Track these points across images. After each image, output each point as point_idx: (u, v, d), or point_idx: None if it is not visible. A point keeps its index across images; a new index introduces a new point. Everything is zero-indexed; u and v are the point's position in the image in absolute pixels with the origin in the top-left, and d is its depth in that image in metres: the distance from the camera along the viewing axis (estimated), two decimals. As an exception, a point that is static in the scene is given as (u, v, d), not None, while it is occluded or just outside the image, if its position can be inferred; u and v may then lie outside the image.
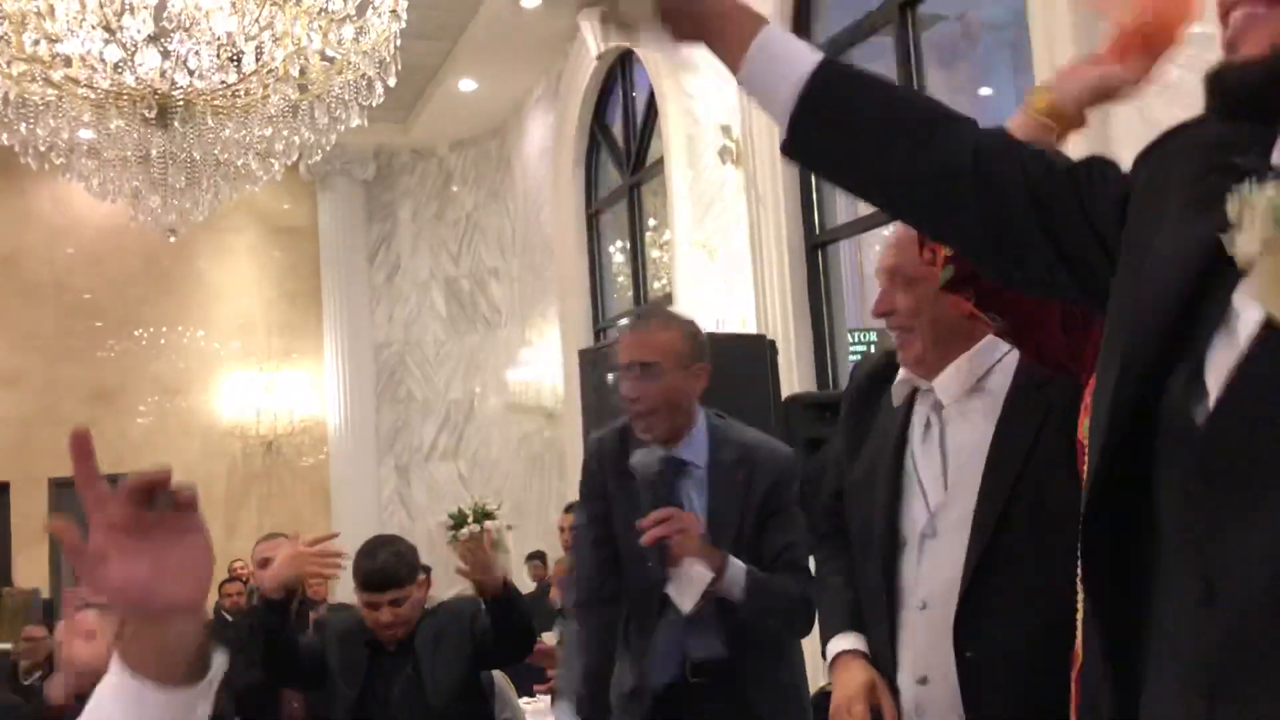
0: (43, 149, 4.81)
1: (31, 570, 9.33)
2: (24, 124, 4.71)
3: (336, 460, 10.24)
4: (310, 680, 3.00)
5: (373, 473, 10.33)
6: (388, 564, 2.93)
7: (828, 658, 1.84)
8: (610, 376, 4.20)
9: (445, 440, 10.39)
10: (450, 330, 10.45)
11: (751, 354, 3.78)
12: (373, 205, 10.64)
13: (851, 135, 1.14)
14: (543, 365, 9.05)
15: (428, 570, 3.42)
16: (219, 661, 0.95)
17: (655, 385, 2.40)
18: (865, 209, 5.28)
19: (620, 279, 8.49)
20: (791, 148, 1.16)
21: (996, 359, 1.74)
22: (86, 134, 4.89)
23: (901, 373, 1.84)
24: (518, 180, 9.76)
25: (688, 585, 2.27)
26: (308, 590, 3.95)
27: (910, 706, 1.71)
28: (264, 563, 4.13)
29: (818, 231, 5.80)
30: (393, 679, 2.92)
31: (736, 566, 2.30)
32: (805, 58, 1.15)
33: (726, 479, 2.42)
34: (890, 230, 2.00)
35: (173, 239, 5.57)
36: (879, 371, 1.95)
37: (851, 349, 5.76)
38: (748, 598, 2.30)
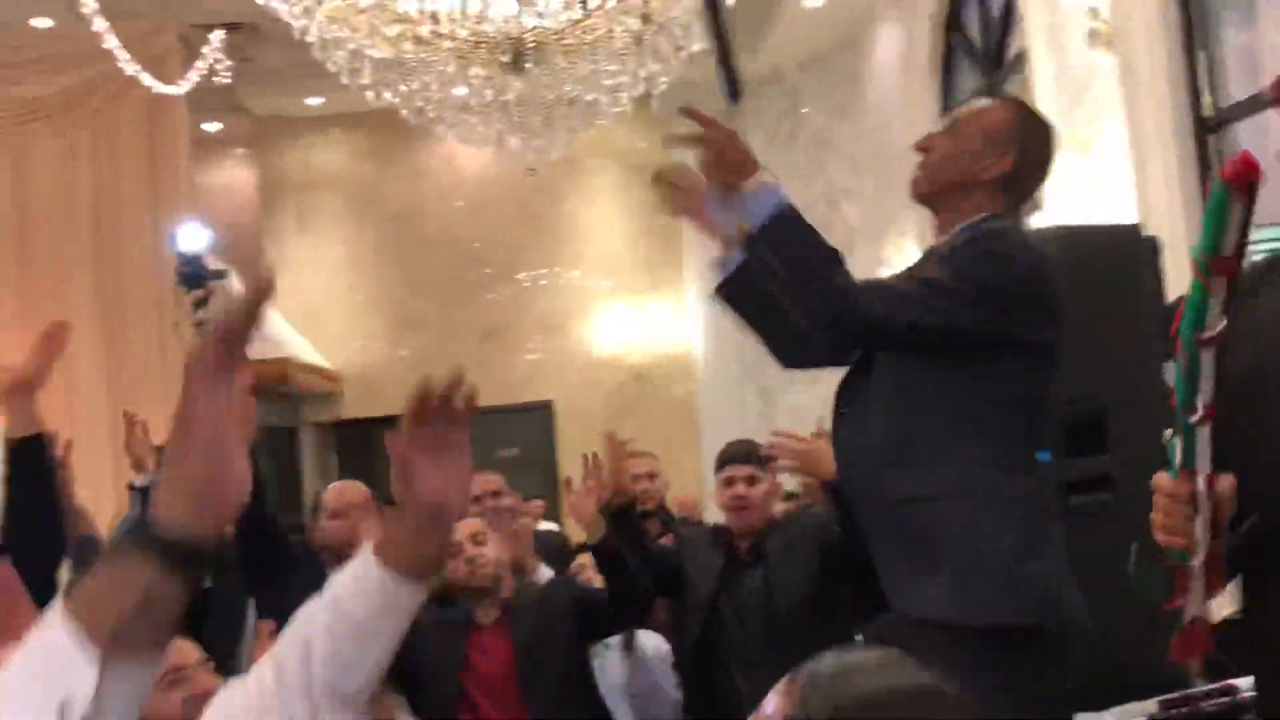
0: (419, 104, 5.24)
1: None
2: (403, 84, 5.14)
3: (702, 387, 10.53)
4: (668, 586, 3.11)
5: (737, 399, 10.53)
6: (748, 443, 3.20)
7: None
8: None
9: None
10: (807, 255, 10.36)
11: (1124, 251, 3.39)
12: (725, 135, 10.71)
13: None
14: (903, 284, 8.77)
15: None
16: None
17: (946, 139, 2.28)
18: (1267, 81, 4.61)
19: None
20: None
21: None
22: (459, 91, 5.28)
23: None
24: (868, 94, 9.44)
25: None
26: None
27: None
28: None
29: (1207, 114, 5.15)
30: (743, 584, 2.96)
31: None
32: None
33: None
34: None
35: (532, 176, 5.89)
36: (1253, 276, 1.64)
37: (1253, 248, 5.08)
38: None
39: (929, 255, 2.29)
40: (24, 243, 8.45)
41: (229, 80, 7.25)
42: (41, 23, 8.34)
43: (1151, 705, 2.62)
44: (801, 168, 10.42)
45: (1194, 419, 1.41)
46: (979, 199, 2.19)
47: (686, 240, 10.64)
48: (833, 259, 2.14)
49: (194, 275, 4.26)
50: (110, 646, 0.74)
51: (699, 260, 10.55)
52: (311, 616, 1.05)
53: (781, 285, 2.15)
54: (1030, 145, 2.24)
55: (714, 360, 10.49)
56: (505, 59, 4.58)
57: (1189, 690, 2.69)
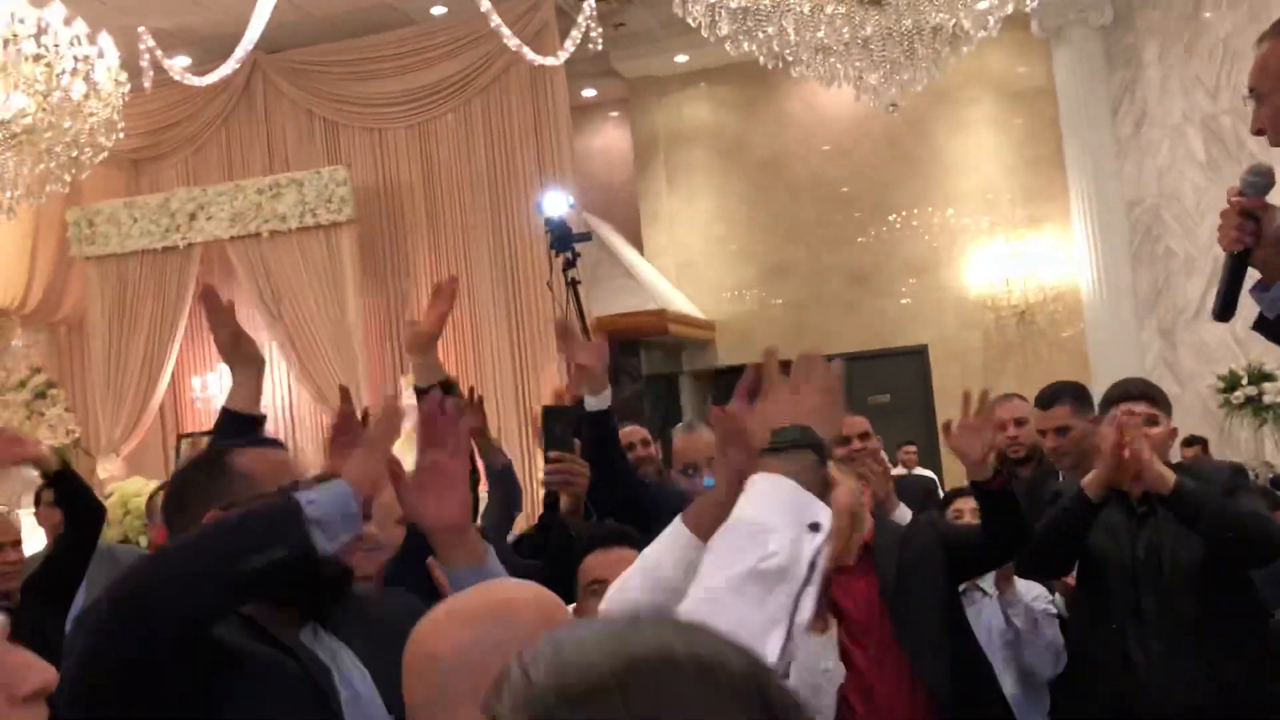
0: (776, 47, 5.22)
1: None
2: (759, 31, 5.14)
3: (1092, 327, 9.80)
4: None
5: (1133, 338, 9.70)
6: (1144, 381, 3.13)
7: None
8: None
9: (1213, 298, 9.37)
10: (1212, 175, 9.31)
11: None
12: (1113, 51, 9.82)
13: None
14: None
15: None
16: None
17: (1260, 113, 2.02)
18: None
19: None
20: None
21: None
22: (819, 34, 5.21)
23: None
24: (1288, -12, 8.28)
25: None
26: None
27: None
28: (1003, 425, 4.08)
29: None
30: (1138, 540, 2.78)
31: None
32: None
33: None
34: None
35: (894, 112, 5.71)
36: None
37: None
38: None
39: None
40: (434, 212, 9.41)
41: (600, 47, 7.60)
42: (438, 10, 9.17)
43: None
44: (1205, 79, 9.35)
45: None
46: None
47: (1071, 171, 9.90)
48: None
49: (562, 239, 4.57)
50: None
51: (1083, 189, 9.79)
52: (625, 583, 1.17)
53: None
54: None
55: (1105, 298, 9.71)
56: (862, -6, 4.46)
57: None
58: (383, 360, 9.27)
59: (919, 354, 10.57)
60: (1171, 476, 2.72)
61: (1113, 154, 9.79)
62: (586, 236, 4.90)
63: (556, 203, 4.90)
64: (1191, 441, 7.44)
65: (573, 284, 4.54)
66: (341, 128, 9.65)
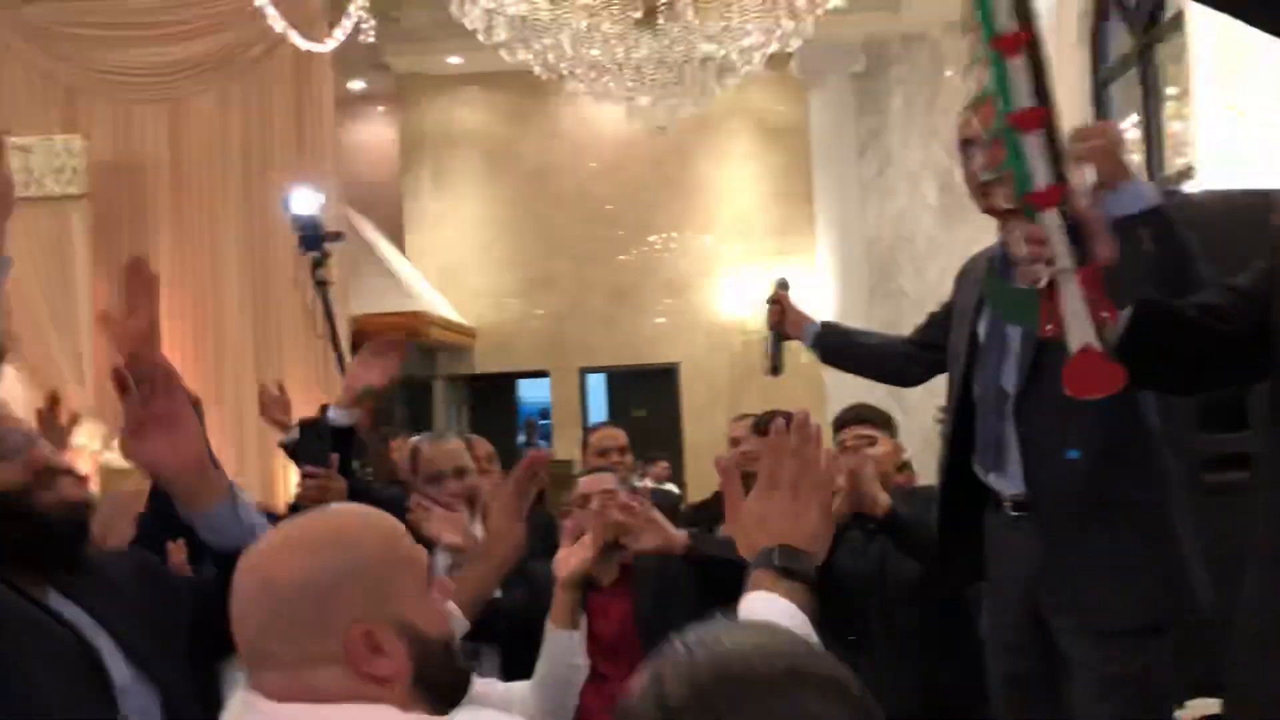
0: (551, 59, 5.28)
1: (565, 450, 10.56)
2: (535, 42, 5.18)
3: (831, 355, 10.40)
4: None
5: (866, 368, 10.37)
6: (866, 405, 3.31)
7: None
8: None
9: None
10: (942, 223, 10.11)
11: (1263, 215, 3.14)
12: (863, 98, 10.51)
13: None
14: (1043, 254, 8.48)
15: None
16: None
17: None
18: None
19: (1133, 157, 7.67)
20: None
21: None
22: (593, 53, 5.31)
23: None
24: (1015, 57, 9.11)
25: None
26: None
27: None
28: (735, 441, 4.31)
29: (1384, 77, 4.81)
30: (866, 552, 2.98)
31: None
32: None
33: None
34: None
35: (663, 136, 5.89)
36: None
37: None
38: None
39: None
40: (181, 195, 8.88)
41: (372, 39, 7.42)
42: (199, -18, 8.70)
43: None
44: (942, 133, 10.13)
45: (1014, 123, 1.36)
46: None
47: (819, 207, 10.50)
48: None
49: (310, 238, 4.40)
50: None
51: (829, 227, 10.41)
52: None
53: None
54: None
55: (843, 327, 10.33)
56: (637, 15, 4.58)
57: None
58: (113, 349, 8.63)
59: (670, 372, 10.89)
60: (886, 501, 2.92)
61: (857, 195, 10.46)
62: (338, 236, 4.74)
63: (306, 200, 4.66)
64: (904, 467, 8.01)
65: (321, 285, 4.37)
66: (81, 94, 8.97)
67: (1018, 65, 1.34)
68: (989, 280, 1.46)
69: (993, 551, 2.41)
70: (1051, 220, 1.38)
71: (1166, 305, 1.57)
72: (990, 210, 2.30)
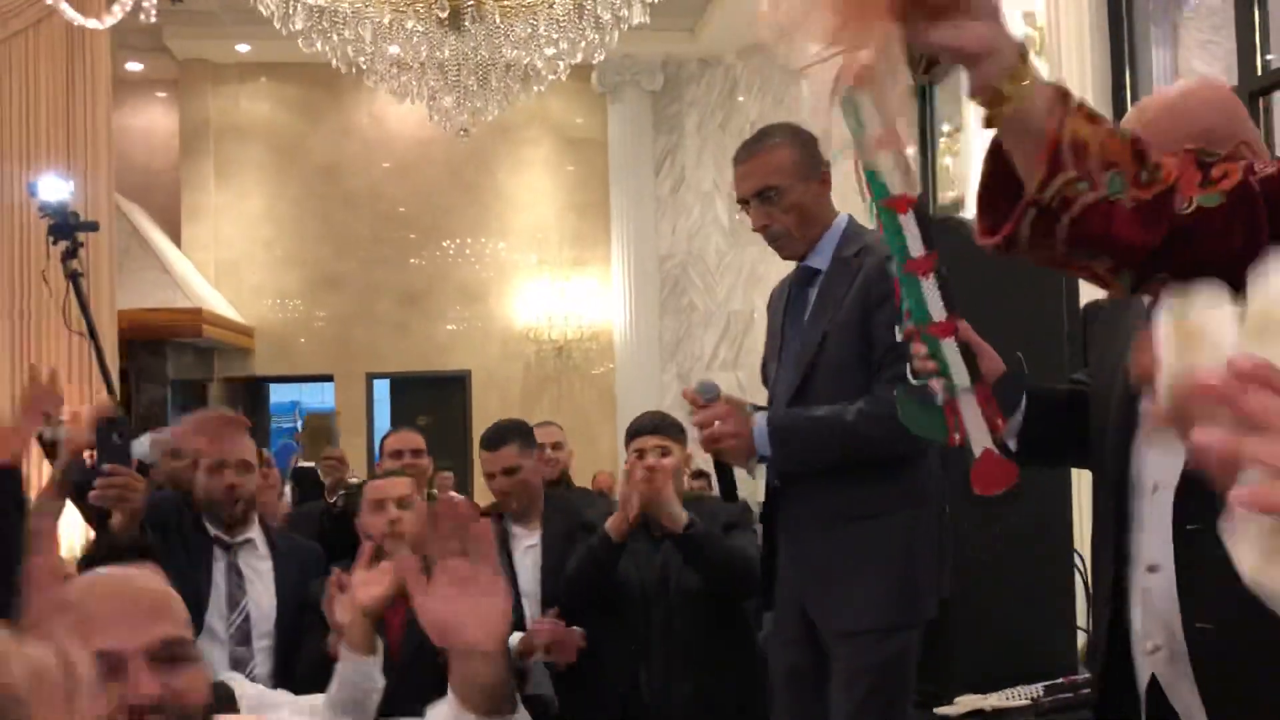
0: (350, 53, 5.13)
1: (351, 457, 10.25)
2: (335, 33, 5.02)
3: (621, 367, 10.55)
4: None
5: (656, 380, 10.56)
6: (659, 414, 3.37)
7: None
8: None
9: (725, 351, 10.46)
10: (731, 241, 10.44)
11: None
12: (659, 117, 10.72)
13: None
14: (825, 276, 8.88)
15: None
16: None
17: (779, 208, 2.41)
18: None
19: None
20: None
21: None
22: (394, 50, 5.18)
23: None
24: (804, 86, 9.51)
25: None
26: None
27: (1139, 590, 1.61)
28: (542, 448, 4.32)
29: (1129, 126, 5.29)
30: (651, 559, 3.01)
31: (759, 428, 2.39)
32: None
33: (841, 270, 2.40)
34: None
35: (465, 137, 5.82)
36: None
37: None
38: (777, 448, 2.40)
39: None
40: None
41: (154, 19, 7.00)
42: (-42, -58, 7.98)
43: (1037, 689, 2.70)
44: (733, 154, 10.46)
45: (911, 269, 1.50)
46: None
47: (615, 221, 10.63)
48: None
49: (61, 226, 4.10)
50: None
51: (624, 239, 10.55)
52: None
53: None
54: None
55: (634, 341, 10.51)
56: (443, 14, 4.51)
57: (1074, 676, 2.78)
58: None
59: (461, 380, 10.75)
60: (683, 518, 2.97)
61: (652, 210, 10.66)
62: (94, 225, 4.42)
63: (53, 187, 4.29)
64: (699, 475, 8.20)
65: (73, 276, 4.07)
66: None
67: (909, 221, 1.47)
68: (899, 396, 1.62)
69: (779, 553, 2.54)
70: (950, 347, 1.52)
71: (1047, 391, 1.80)
72: None
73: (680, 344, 10.67)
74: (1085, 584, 3.26)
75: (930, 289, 1.49)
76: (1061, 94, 1.14)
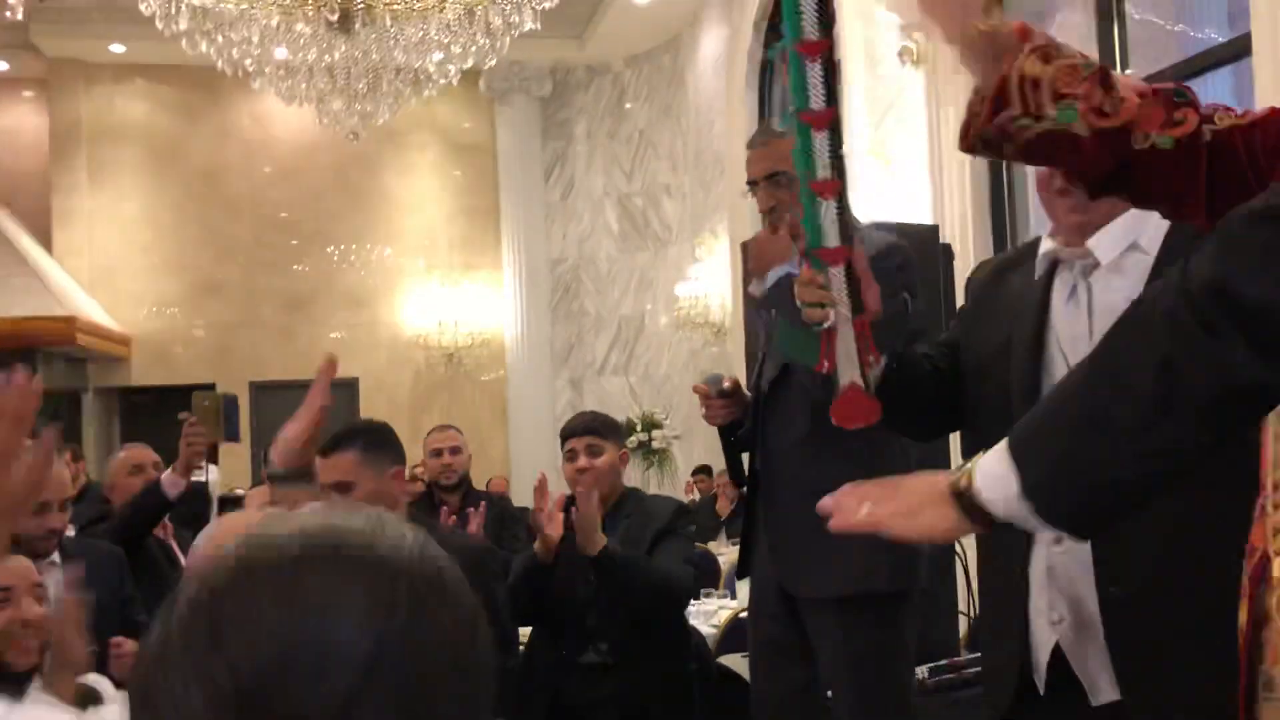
0: (235, 55, 5.03)
1: (231, 465, 10.01)
2: (220, 34, 4.93)
3: (513, 373, 10.53)
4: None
5: (548, 385, 10.58)
6: (589, 414, 3.37)
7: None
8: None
9: (617, 356, 10.54)
10: (622, 247, 10.53)
11: (923, 250, 3.60)
12: (548, 123, 10.75)
13: None
14: (711, 281, 9.02)
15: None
16: None
17: (786, 191, 2.45)
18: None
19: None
20: None
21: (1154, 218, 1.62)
22: (281, 52, 5.10)
23: (1044, 244, 1.75)
24: (690, 95, 9.66)
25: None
26: None
27: (1042, 567, 1.66)
28: (436, 452, 4.33)
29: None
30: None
31: None
32: None
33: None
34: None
35: (354, 140, 5.77)
36: (1007, 263, 1.91)
37: (1035, 261, 5.48)
38: None
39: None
40: None
41: (20, 16, 6.75)
42: None
43: (921, 671, 2.81)
44: (623, 161, 10.55)
45: (814, 190, 1.52)
46: None
47: (505, 226, 10.61)
48: None
49: None
50: None
51: (515, 244, 10.55)
52: None
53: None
54: None
55: (525, 347, 10.51)
56: (333, 17, 4.47)
57: (955, 659, 2.91)
58: None
59: (350, 386, 10.59)
60: (600, 542, 2.88)
61: (542, 215, 10.68)
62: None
63: None
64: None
65: None
66: None
67: (815, 70, 1.46)
68: (778, 318, 1.64)
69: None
70: (837, 274, 1.54)
71: (913, 354, 1.84)
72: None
73: (572, 350, 10.70)
74: (965, 569, 3.41)
75: (829, 213, 1.50)
76: (1023, 32, 1.27)
